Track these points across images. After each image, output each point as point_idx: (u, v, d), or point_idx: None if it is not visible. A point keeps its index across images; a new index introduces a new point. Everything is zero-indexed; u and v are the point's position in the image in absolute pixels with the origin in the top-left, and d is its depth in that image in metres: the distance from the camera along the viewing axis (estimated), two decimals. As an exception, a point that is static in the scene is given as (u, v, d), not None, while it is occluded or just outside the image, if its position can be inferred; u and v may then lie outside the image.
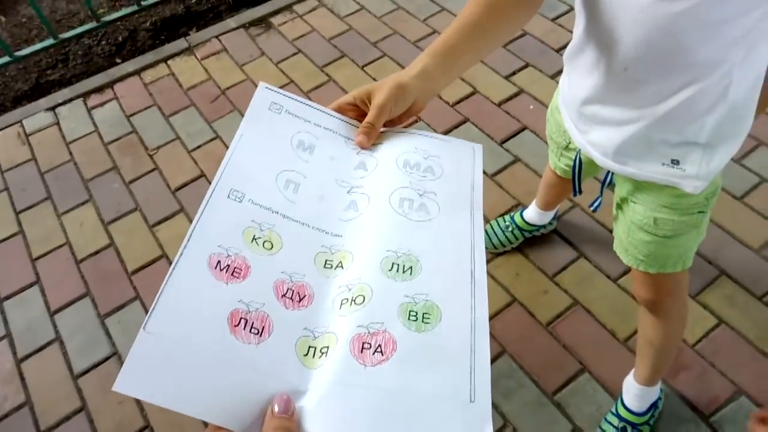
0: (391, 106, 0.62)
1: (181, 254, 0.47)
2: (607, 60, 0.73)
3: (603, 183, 0.90)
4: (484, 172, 1.66)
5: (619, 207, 0.92)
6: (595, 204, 0.96)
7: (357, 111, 0.65)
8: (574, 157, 0.96)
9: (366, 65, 2.02)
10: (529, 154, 1.68)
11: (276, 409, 0.41)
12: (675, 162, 0.77)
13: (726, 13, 0.62)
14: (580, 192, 1.00)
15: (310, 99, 1.90)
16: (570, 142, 0.95)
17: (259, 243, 0.51)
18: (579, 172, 0.97)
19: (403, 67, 2.12)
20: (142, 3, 2.29)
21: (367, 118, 0.62)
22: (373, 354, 0.44)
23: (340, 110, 0.65)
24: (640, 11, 0.65)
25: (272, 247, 0.51)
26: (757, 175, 1.55)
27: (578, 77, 0.81)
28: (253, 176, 0.56)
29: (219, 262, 0.48)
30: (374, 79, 1.96)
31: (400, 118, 0.65)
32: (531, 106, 1.81)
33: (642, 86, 0.72)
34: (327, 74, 2.01)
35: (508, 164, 1.69)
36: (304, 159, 0.60)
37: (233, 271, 0.48)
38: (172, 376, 0.41)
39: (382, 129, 0.64)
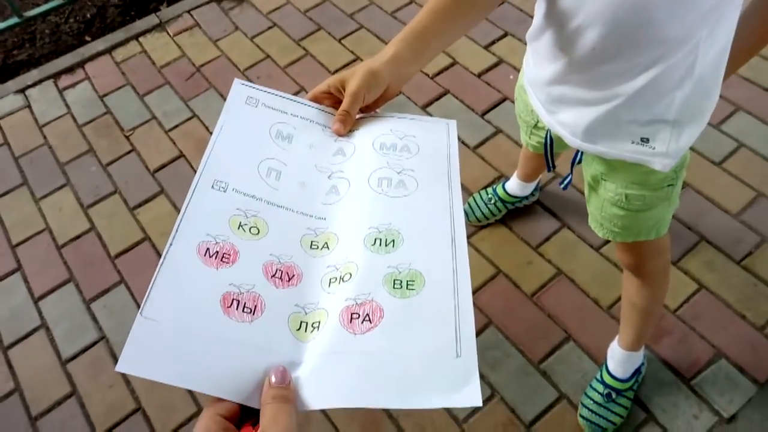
0: (364, 93, 0.63)
1: (171, 244, 0.49)
2: (573, 40, 0.73)
3: (573, 161, 0.91)
4: (466, 145, 1.67)
5: (590, 185, 0.93)
6: (565, 182, 0.97)
7: (332, 99, 0.66)
8: (544, 135, 0.96)
9: (343, 38, 1.98)
10: (510, 125, 1.68)
11: (273, 379, 0.43)
12: (644, 140, 0.77)
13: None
14: (554, 167, 1.01)
15: (287, 74, 1.88)
16: (539, 121, 0.96)
17: (246, 229, 0.53)
18: (551, 149, 0.97)
19: (380, 40, 2.08)
20: (110, -23, 2.21)
21: (342, 106, 0.64)
22: (362, 323, 0.46)
23: (316, 99, 0.67)
24: None
25: (258, 232, 0.53)
26: (735, 140, 1.57)
27: (543, 59, 0.81)
28: (235, 166, 0.58)
29: (208, 249, 0.50)
30: (352, 53, 1.93)
31: (375, 103, 0.66)
32: (511, 76, 1.80)
33: (610, 65, 0.72)
34: (304, 48, 1.97)
35: (490, 136, 1.69)
36: (284, 148, 0.61)
37: (222, 256, 0.50)
38: (172, 354, 0.43)
39: (358, 115, 0.66)
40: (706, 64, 0.71)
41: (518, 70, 1.82)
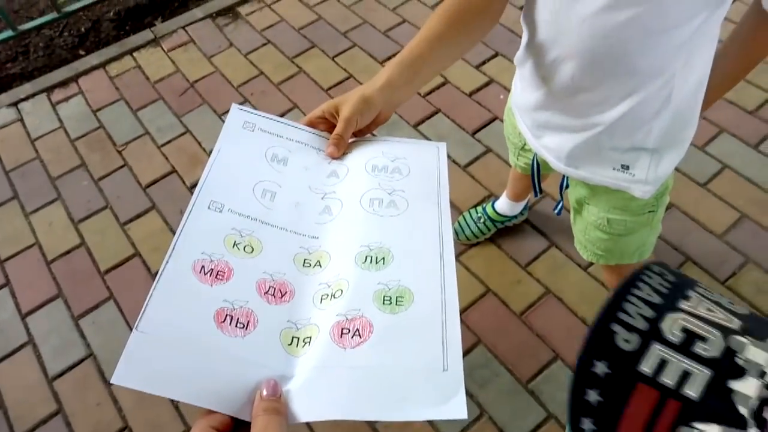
0: (357, 118, 0.65)
1: (167, 262, 0.51)
2: (552, 71, 0.75)
3: (561, 186, 0.93)
4: (457, 164, 1.69)
5: (575, 208, 0.95)
6: (558, 207, 0.99)
7: (327, 123, 0.68)
8: (531, 159, 0.98)
9: (337, 56, 2.00)
10: (500, 145, 1.70)
11: (264, 392, 0.44)
12: (625, 167, 0.79)
13: (667, 23, 0.64)
14: (541, 192, 1.04)
15: (280, 91, 1.90)
16: (526, 143, 0.97)
17: (240, 248, 0.55)
18: (538, 173, 0.99)
19: (373, 58, 2.09)
20: (105, -8, 2.23)
21: (336, 130, 0.65)
22: (352, 337, 0.48)
23: (311, 123, 0.68)
24: (584, 21, 0.67)
25: (253, 250, 0.55)
26: (720, 161, 1.60)
27: (528, 85, 0.83)
28: (231, 187, 0.60)
29: (203, 267, 0.52)
30: (345, 70, 1.95)
31: (367, 127, 0.68)
32: (501, 96, 1.82)
33: (588, 95, 0.74)
34: (297, 65, 1.99)
35: (480, 155, 1.71)
36: (279, 170, 0.63)
37: (217, 274, 0.52)
38: (166, 367, 0.45)
39: (351, 139, 0.68)
40: (683, 95, 0.74)
41: (508, 90, 1.84)
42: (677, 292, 0.34)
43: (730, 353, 0.30)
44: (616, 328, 0.32)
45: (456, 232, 1.52)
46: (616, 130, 0.76)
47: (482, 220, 1.50)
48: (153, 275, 1.53)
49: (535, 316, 1.40)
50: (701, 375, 0.29)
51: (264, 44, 2.07)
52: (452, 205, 1.58)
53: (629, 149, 0.78)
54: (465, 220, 1.53)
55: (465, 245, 1.53)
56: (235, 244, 0.54)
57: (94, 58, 2.08)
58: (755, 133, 1.64)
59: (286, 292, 0.52)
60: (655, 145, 0.77)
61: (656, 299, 0.33)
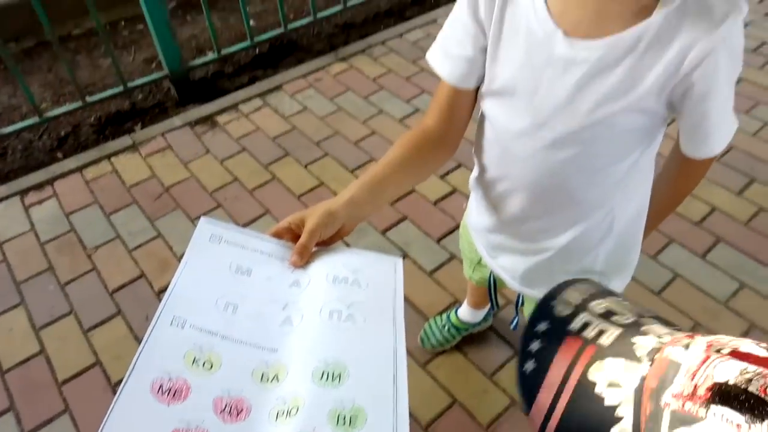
0: (321, 230, 0.69)
1: (127, 381, 0.53)
2: (503, 199, 0.83)
3: (516, 303, 0.98)
4: (423, 270, 1.73)
5: None
6: (514, 323, 1.03)
7: (292, 234, 0.72)
8: (487, 274, 1.03)
9: (309, 164, 2.09)
10: (465, 252, 1.76)
11: None
12: None
13: (603, 162, 0.73)
14: (497, 306, 1.08)
15: (253, 197, 1.96)
16: (481, 259, 1.03)
17: (200, 364, 0.57)
18: (494, 288, 1.04)
19: (344, 166, 2.18)
20: (87, 99, 2.32)
21: (300, 241, 0.69)
22: None
23: (277, 234, 0.72)
24: (531, 156, 0.75)
25: (212, 366, 0.57)
26: (672, 270, 1.69)
27: (482, 208, 0.90)
28: (194, 301, 0.62)
29: (161, 386, 0.53)
30: (317, 178, 2.04)
31: (331, 239, 0.73)
32: (464, 205, 1.90)
33: (537, 223, 0.82)
34: (271, 172, 2.07)
35: (445, 261, 1.76)
36: (242, 282, 0.66)
37: (174, 393, 0.53)
38: None
39: (315, 248, 0.71)
40: (624, 223, 0.81)
41: (470, 202, 1.91)
42: (606, 292, 0.45)
43: (637, 324, 0.40)
44: (555, 303, 0.44)
45: (422, 340, 1.54)
46: (565, 255, 0.82)
47: (446, 328, 1.53)
48: (112, 386, 1.49)
49: (503, 428, 1.39)
50: (613, 332, 0.39)
51: (240, 152, 2.16)
52: (418, 311, 1.62)
53: (579, 271, 0.84)
54: (430, 327, 1.55)
55: (431, 354, 1.54)
56: (194, 361, 0.56)
57: (71, 162, 2.13)
58: (702, 244, 1.74)
59: (242, 409, 0.54)
60: (602, 269, 0.84)
61: (589, 291, 0.45)
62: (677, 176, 0.84)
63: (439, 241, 1.82)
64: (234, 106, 2.35)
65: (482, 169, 0.85)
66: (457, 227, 1.85)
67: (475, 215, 0.95)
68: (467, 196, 1.93)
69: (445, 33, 0.79)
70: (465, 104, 0.80)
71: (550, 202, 0.78)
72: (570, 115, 0.68)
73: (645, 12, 0.61)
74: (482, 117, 0.82)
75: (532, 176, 0.76)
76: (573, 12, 0.64)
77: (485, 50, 0.74)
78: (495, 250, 0.92)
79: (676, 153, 0.76)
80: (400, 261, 0.72)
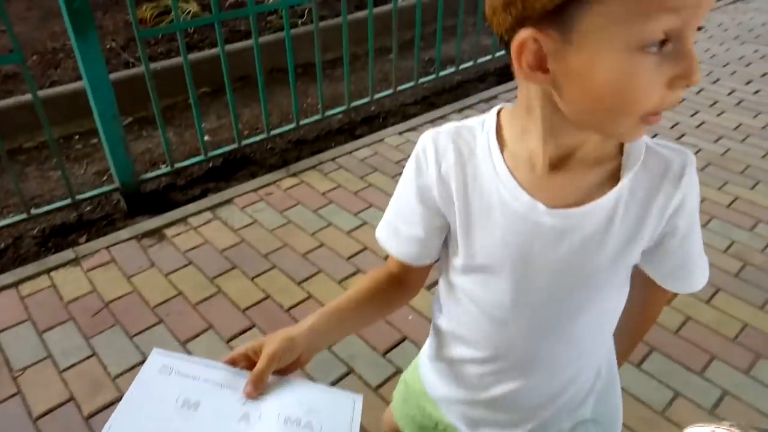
0: (280, 355, 0.68)
1: None
2: (492, 377, 0.80)
3: None
4: (368, 385, 1.71)
5: None
6: None
7: (249, 361, 0.70)
8: None
9: (256, 276, 2.10)
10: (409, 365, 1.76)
11: None
12: None
13: (608, 317, 0.76)
14: None
15: (197, 311, 1.93)
16: (438, 422, 0.94)
17: None
18: None
19: (291, 279, 2.17)
20: (32, 211, 2.31)
21: (258, 366, 0.67)
22: None
23: (233, 361, 0.70)
24: (536, 330, 0.74)
25: None
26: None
27: (452, 384, 0.86)
28: None
29: None
30: (263, 291, 2.04)
31: (288, 368, 0.71)
32: (410, 317, 1.94)
33: (533, 393, 0.79)
34: (217, 286, 2.06)
35: (391, 375, 1.75)
36: (187, 418, 0.63)
37: None
38: None
39: (271, 376, 0.69)
40: (606, 362, 0.82)
41: (416, 311, 1.94)
42: None
43: None
44: None
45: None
46: (560, 413, 0.80)
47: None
48: None
49: None
50: None
51: (186, 265, 2.15)
52: (364, 430, 1.56)
53: (574, 424, 0.82)
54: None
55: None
56: None
57: (7, 278, 2.07)
58: (637, 351, 1.80)
59: None
60: (594, 416, 0.83)
61: None
62: (653, 304, 0.85)
63: (384, 354, 1.82)
64: (183, 219, 2.38)
65: (457, 347, 0.82)
66: (403, 339, 1.86)
67: (442, 386, 0.88)
68: (413, 308, 1.97)
69: (392, 210, 0.79)
70: (421, 273, 0.82)
71: (553, 369, 0.77)
72: (573, 280, 0.69)
73: (613, 178, 0.66)
74: (451, 292, 0.80)
75: (537, 352, 0.75)
76: (543, 180, 0.67)
77: (440, 230, 0.75)
78: (477, 425, 0.86)
79: (646, 283, 0.75)
80: (359, 398, 0.70)
